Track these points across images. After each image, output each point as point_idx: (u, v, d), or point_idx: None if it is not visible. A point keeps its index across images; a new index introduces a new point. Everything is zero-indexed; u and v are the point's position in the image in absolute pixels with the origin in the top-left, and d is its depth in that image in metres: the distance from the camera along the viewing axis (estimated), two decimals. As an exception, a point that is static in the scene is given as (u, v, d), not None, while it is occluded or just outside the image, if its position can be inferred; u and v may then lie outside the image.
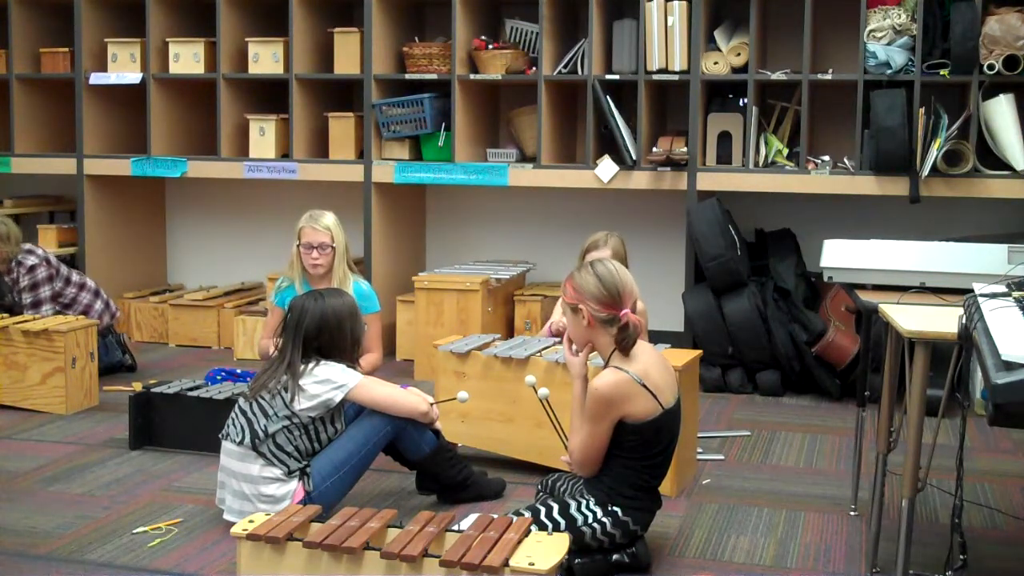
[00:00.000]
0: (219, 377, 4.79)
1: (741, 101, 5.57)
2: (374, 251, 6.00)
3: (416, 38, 6.22)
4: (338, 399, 3.48)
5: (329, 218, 4.43)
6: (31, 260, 5.33)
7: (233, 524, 2.82)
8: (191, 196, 7.00)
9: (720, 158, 5.62)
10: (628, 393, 3.07)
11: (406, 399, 3.62)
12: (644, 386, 3.09)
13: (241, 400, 3.54)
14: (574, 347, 3.25)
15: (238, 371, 4.90)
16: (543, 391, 3.46)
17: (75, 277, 5.53)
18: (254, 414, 3.46)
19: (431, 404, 3.66)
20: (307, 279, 4.42)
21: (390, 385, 3.65)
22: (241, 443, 3.44)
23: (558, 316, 4.29)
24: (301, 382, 3.44)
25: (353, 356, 3.61)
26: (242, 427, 3.46)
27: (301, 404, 3.44)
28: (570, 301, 3.18)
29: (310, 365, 3.48)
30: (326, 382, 3.46)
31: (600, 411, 3.09)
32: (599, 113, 5.62)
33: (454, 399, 3.80)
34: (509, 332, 5.84)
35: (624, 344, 3.12)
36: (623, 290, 3.13)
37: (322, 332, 3.51)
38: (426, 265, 6.59)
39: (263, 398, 3.47)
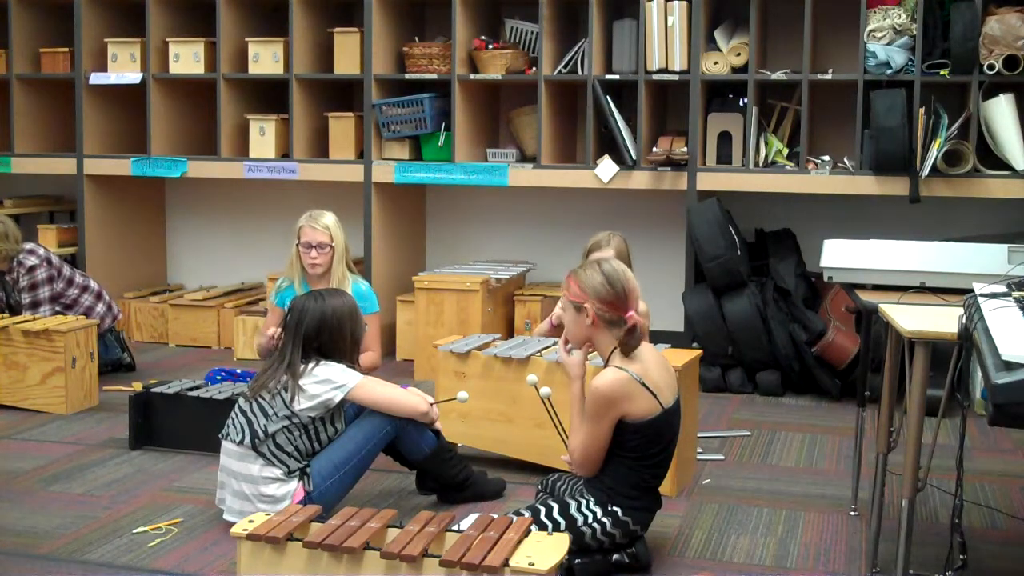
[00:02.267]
0: (219, 377, 4.79)
1: (741, 101, 5.57)
2: (374, 251, 6.00)
3: (416, 38, 6.22)
4: (338, 399, 3.48)
5: (328, 218, 4.42)
6: (31, 260, 5.31)
7: (233, 524, 2.82)
8: (191, 196, 7.00)
9: (720, 158, 5.62)
10: (628, 392, 3.07)
11: (406, 399, 3.62)
12: (644, 385, 3.08)
13: (241, 400, 3.54)
14: (568, 345, 3.23)
15: (238, 371, 4.90)
16: (545, 390, 3.45)
17: (78, 279, 5.51)
18: (254, 414, 3.46)
19: (431, 404, 3.65)
20: (306, 279, 4.42)
21: (390, 385, 3.65)
22: (241, 443, 3.44)
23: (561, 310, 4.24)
24: (301, 382, 3.44)
25: (353, 356, 3.60)
26: (242, 427, 3.46)
27: (301, 404, 3.44)
28: (574, 299, 3.15)
29: (310, 365, 3.48)
30: (326, 382, 3.46)
31: (600, 410, 3.08)
32: (599, 113, 5.61)
33: (454, 399, 3.80)
34: (509, 332, 5.84)
35: (629, 346, 3.11)
36: (629, 291, 3.12)
37: (322, 332, 3.50)
38: (426, 265, 6.59)
39: (263, 398, 3.46)
